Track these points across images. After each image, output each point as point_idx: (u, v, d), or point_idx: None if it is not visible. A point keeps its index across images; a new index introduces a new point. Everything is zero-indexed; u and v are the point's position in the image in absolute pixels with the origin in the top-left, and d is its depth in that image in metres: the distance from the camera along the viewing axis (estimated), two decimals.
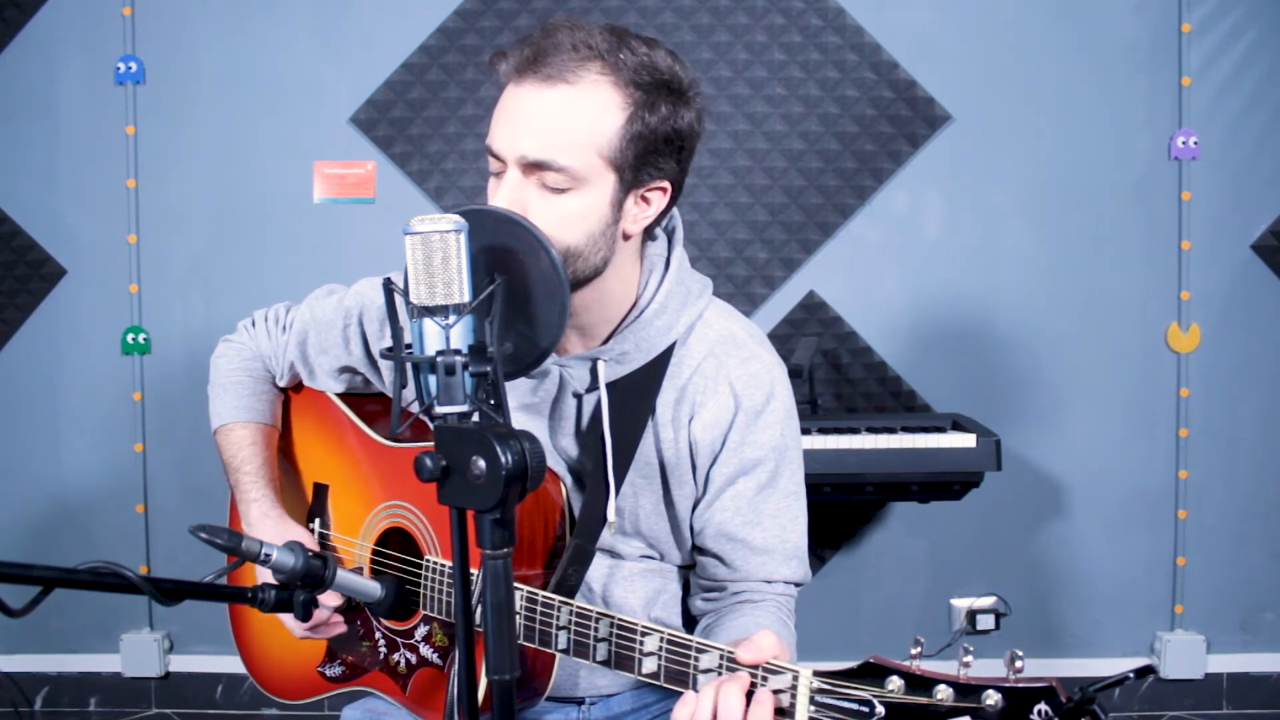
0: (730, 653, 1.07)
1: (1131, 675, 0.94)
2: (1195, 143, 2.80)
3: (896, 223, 2.85)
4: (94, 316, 2.92)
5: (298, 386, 1.59)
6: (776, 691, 1.03)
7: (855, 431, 2.40)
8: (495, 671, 0.99)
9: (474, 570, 1.02)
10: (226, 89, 2.87)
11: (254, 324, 1.58)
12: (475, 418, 1.01)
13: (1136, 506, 2.88)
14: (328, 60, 2.86)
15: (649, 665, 1.13)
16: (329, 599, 1.39)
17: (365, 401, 1.53)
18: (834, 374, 2.87)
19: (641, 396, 1.32)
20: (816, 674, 1.01)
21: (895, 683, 0.96)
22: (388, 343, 1.37)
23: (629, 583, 1.38)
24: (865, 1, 2.80)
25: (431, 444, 1.00)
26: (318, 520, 1.53)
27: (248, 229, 2.89)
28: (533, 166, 1.19)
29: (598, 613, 1.17)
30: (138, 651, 2.94)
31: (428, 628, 1.36)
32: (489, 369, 1.01)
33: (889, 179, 2.84)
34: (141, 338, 2.92)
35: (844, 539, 2.94)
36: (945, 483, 2.39)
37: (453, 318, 1.00)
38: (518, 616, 1.22)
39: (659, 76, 1.21)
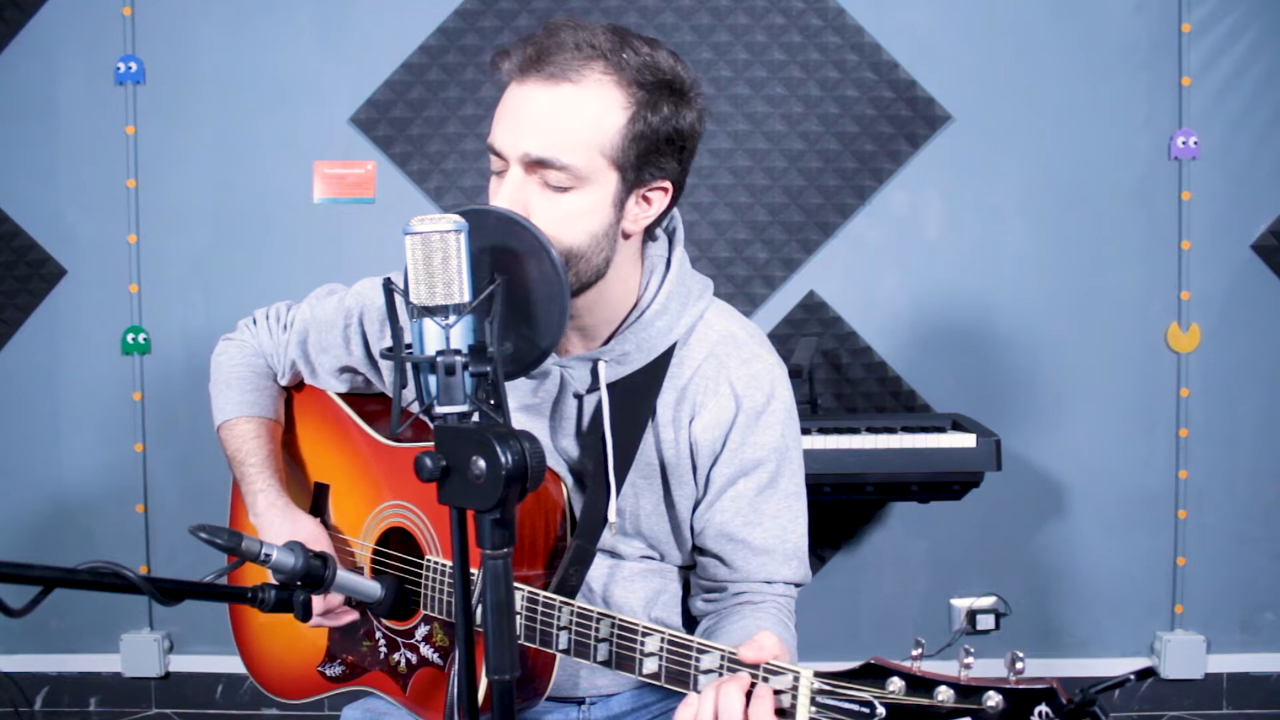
0: (731, 653, 1.07)
1: (1132, 677, 0.94)
2: (1195, 143, 2.80)
3: (896, 223, 2.85)
4: (94, 316, 2.92)
5: (299, 386, 1.59)
6: (777, 692, 1.03)
7: (855, 431, 2.40)
8: (495, 671, 0.99)
9: (474, 570, 1.02)
10: (226, 89, 2.87)
11: (255, 322, 1.58)
12: (475, 418, 1.01)
13: (1136, 506, 2.88)
14: (328, 60, 2.86)
15: (650, 666, 1.13)
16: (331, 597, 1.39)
17: (366, 401, 1.53)
18: (834, 374, 2.87)
19: (642, 397, 1.32)
20: (817, 675, 1.01)
21: (896, 684, 0.96)
22: (388, 343, 1.37)
23: (629, 583, 1.38)
24: (865, 1, 2.80)
25: (432, 444, 1.00)
26: (318, 520, 1.53)
27: (248, 229, 2.89)
28: (535, 165, 1.19)
29: (599, 613, 1.17)
30: (138, 651, 2.94)
31: (428, 628, 1.36)
32: (489, 369, 1.01)
33: (889, 179, 2.84)
34: (141, 338, 2.92)
35: (844, 539, 2.94)
36: (945, 483, 2.39)
37: (453, 318, 1.00)
38: (518, 617, 1.22)
39: (661, 76, 1.21)
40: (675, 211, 1.35)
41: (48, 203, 2.91)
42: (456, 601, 1.01)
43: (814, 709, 1.00)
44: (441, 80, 2.85)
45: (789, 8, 2.81)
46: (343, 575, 1.27)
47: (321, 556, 1.25)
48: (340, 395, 1.53)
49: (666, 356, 1.33)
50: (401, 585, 1.36)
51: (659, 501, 1.37)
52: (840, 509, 2.91)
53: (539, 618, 1.21)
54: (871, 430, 2.40)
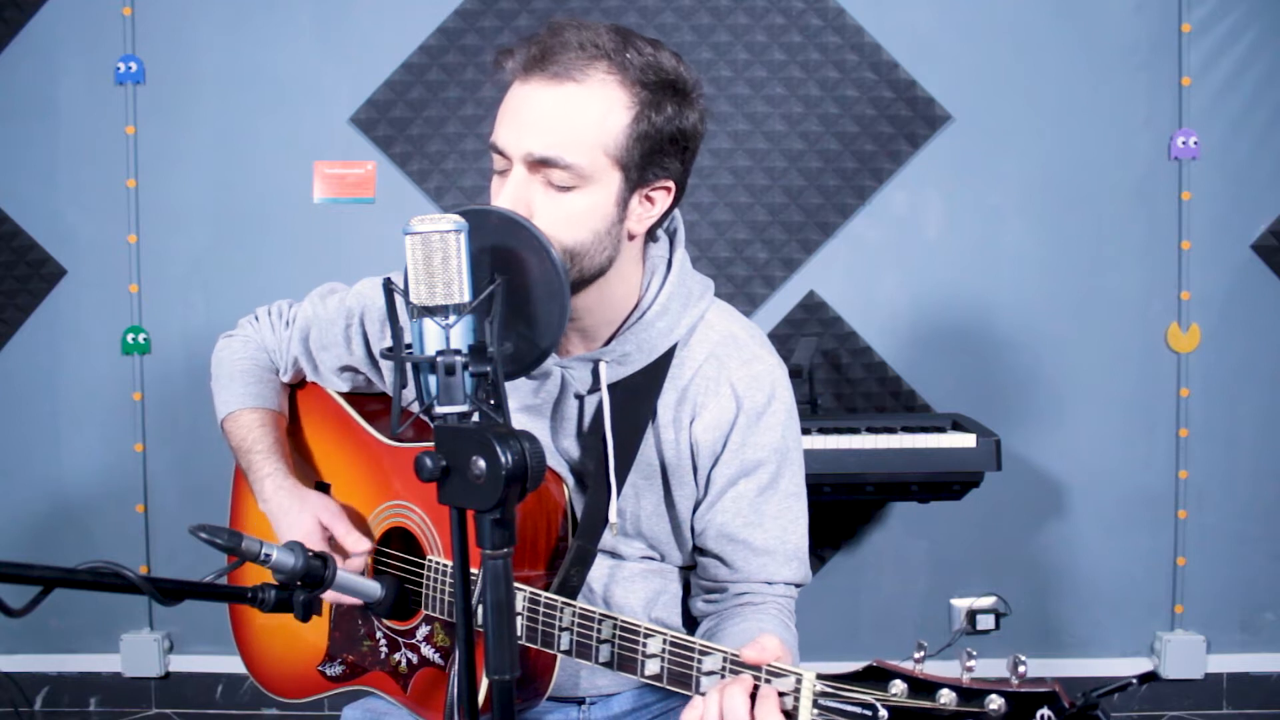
0: (734, 655, 1.07)
1: (1135, 681, 0.94)
2: (1195, 143, 2.80)
3: (896, 223, 2.85)
4: (94, 316, 2.92)
5: (300, 384, 1.59)
6: (780, 694, 1.03)
7: (855, 431, 2.40)
8: (495, 672, 0.99)
9: (475, 570, 1.02)
10: (226, 89, 2.87)
11: (257, 319, 1.58)
12: (475, 418, 1.01)
13: (1136, 506, 2.88)
14: (328, 60, 2.86)
15: (652, 667, 1.13)
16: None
17: (367, 401, 1.53)
18: (834, 374, 2.87)
19: (643, 398, 1.32)
20: (819, 677, 1.01)
21: (898, 686, 0.96)
22: (389, 343, 1.37)
23: (629, 583, 1.38)
24: (865, 1, 2.80)
25: (433, 444, 1.00)
26: None
27: (248, 229, 2.89)
28: (539, 164, 1.19)
29: (600, 614, 1.17)
30: (138, 651, 2.94)
31: (429, 628, 1.36)
32: (489, 369, 1.01)
33: (889, 179, 2.84)
34: (141, 338, 2.92)
35: (844, 539, 2.94)
36: (945, 483, 2.39)
37: (453, 318, 1.00)
38: (520, 618, 1.22)
39: (665, 77, 1.21)
40: (676, 212, 1.35)
41: (48, 203, 2.91)
42: (457, 601, 1.01)
43: (816, 711, 1.00)
44: (441, 80, 2.85)
45: (789, 8, 2.81)
46: (343, 575, 1.27)
47: (321, 556, 1.25)
48: (341, 395, 1.53)
49: (667, 357, 1.33)
50: (402, 585, 1.35)
51: (659, 502, 1.37)
52: (840, 509, 2.91)
53: (540, 618, 1.21)
54: (871, 430, 2.40)
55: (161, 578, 1.08)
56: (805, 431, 2.32)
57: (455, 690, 1.04)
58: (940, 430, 2.42)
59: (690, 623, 1.44)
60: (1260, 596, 2.89)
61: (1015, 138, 2.83)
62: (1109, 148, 2.82)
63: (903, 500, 2.83)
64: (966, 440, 2.35)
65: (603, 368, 1.31)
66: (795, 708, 1.02)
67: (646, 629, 1.14)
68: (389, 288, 1.06)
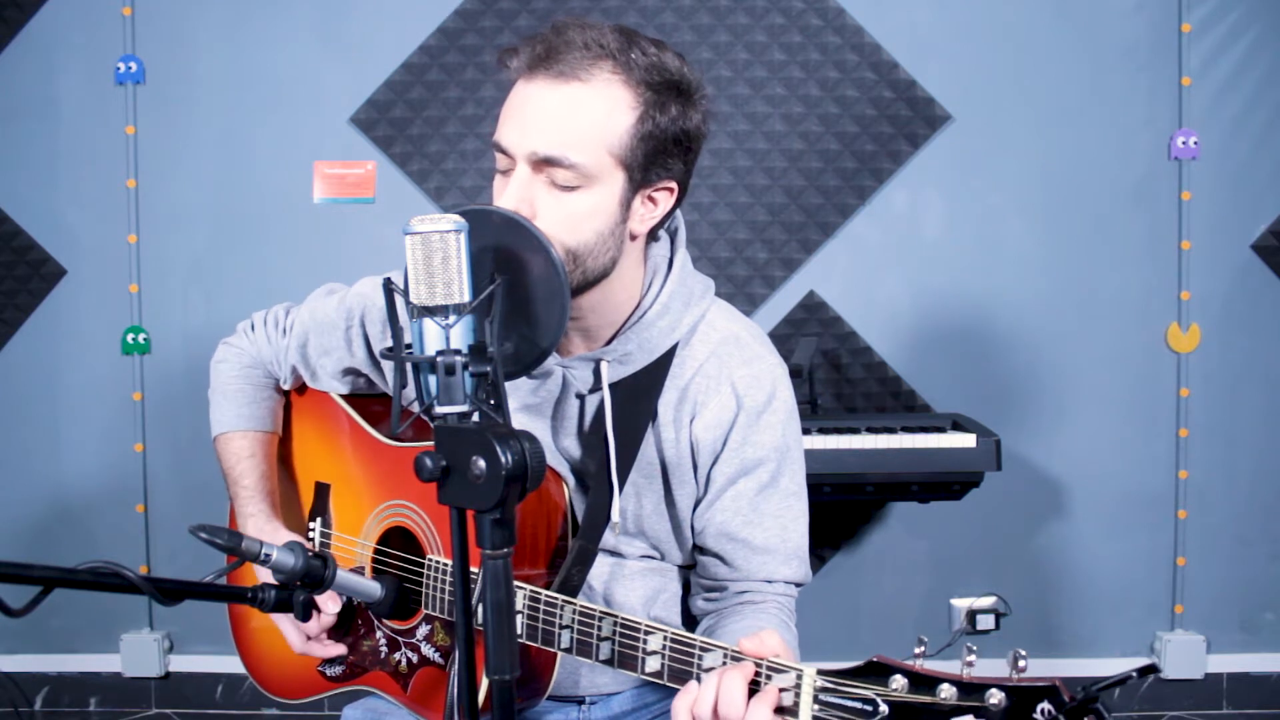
0: (735, 651, 1.07)
1: (1135, 674, 0.94)
2: (1195, 143, 2.80)
3: (896, 223, 2.85)
4: (94, 316, 2.92)
5: (301, 387, 1.59)
6: (781, 690, 1.03)
7: (855, 431, 2.40)
8: (495, 671, 0.99)
9: (475, 570, 1.02)
10: (226, 89, 2.87)
11: (253, 327, 1.57)
12: (475, 418, 1.01)
13: (1136, 506, 2.88)
14: (328, 60, 2.86)
15: (652, 664, 1.13)
16: (329, 605, 1.39)
17: (368, 401, 1.53)
18: (834, 374, 2.87)
19: (644, 397, 1.32)
20: (820, 673, 1.01)
21: (899, 681, 0.97)
22: (389, 343, 1.37)
23: (630, 582, 1.38)
24: (865, 1, 2.80)
25: (433, 443, 1.00)
26: (319, 520, 1.53)
27: (248, 229, 2.89)
28: (542, 163, 1.19)
29: (601, 612, 1.17)
30: (138, 651, 2.94)
31: (429, 627, 1.36)
32: (489, 369, 1.01)
33: (889, 179, 2.84)
34: (141, 338, 2.92)
35: (844, 539, 2.94)
36: (945, 483, 2.39)
37: (453, 318, 1.00)
38: (521, 616, 1.22)
39: (669, 77, 1.21)
40: (678, 212, 1.35)
41: (48, 203, 2.91)
42: (457, 601, 1.01)
43: (817, 707, 1.00)
44: (441, 80, 2.85)
45: (789, 8, 2.81)
46: (343, 575, 1.27)
47: (321, 556, 1.25)
48: (342, 395, 1.53)
49: (668, 356, 1.33)
50: (402, 585, 1.36)
51: (660, 501, 1.37)
52: (840, 509, 2.91)
53: (541, 617, 1.21)
54: (871, 430, 2.40)
55: (161, 578, 1.08)
56: (805, 431, 2.32)
57: (455, 690, 1.04)
58: (940, 430, 2.42)
59: (690, 621, 1.44)
60: (1260, 596, 2.89)
61: (1015, 138, 2.83)
62: (1109, 148, 2.82)
63: (903, 500, 2.83)
64: (966, 440, 2.35)
65: (604, 367, 1.31)
66: (796, 703, 1.02)
67: (647, 626, 1.14)
68: (389, 288, 1.06)
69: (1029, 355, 2.86)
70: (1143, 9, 2.80)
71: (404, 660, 1.39)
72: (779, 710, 1.02)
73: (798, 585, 1.40)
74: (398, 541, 1.41)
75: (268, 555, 1.19)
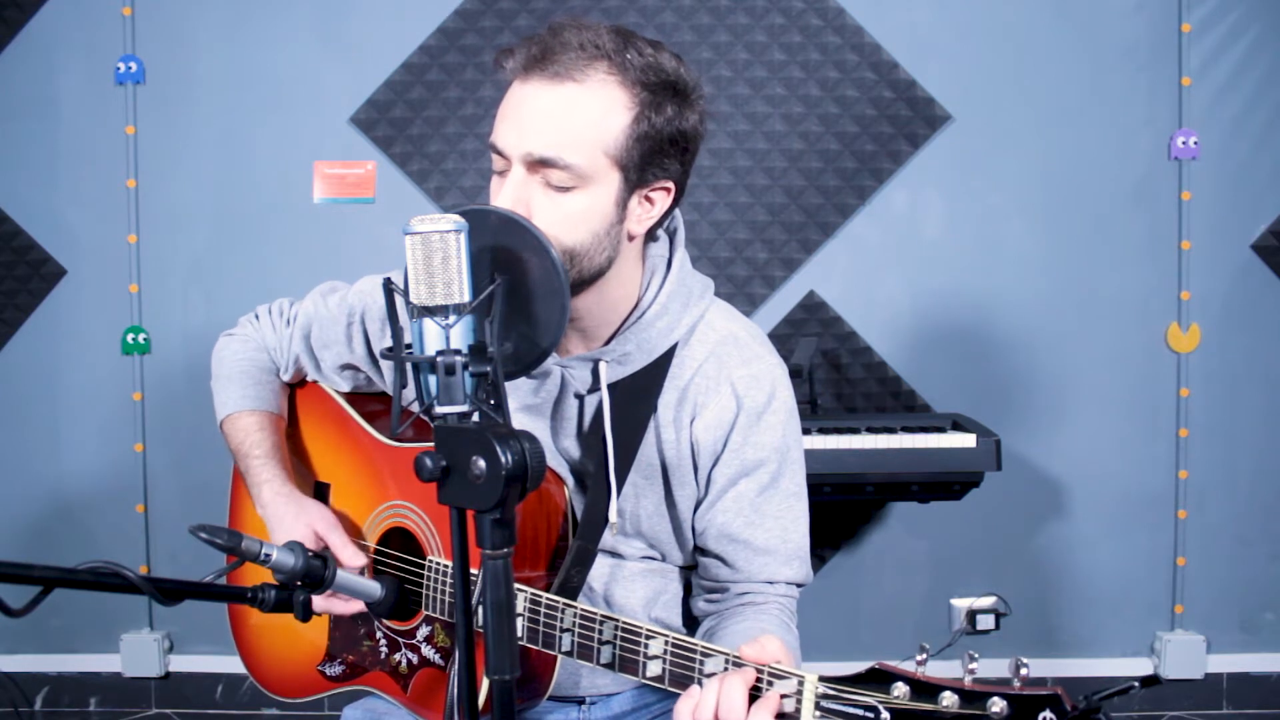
0: (736, 657, 1.07)
1: (1137, 685, 0.94)
2: (1195, 143, 2.80)
3: (896, 223, 2.85)
4: (94, 316, 2.92)
5: (300, 384, 1.59)
6: (782, 696, 1.03)
7: (855, 431, 2.40)
8: (495, 672, 0.99)
9: (475, 571, 1.02)
10: (226, 89, 2.87)
11: (257, 317, 1.58)
12: (475, 418, 1.01)
13: (1136, 506, 2.88)
14: (328, 60, 2.86)
15: (653, 669, 1.13)
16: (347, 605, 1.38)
17: (367, 401, 1.53)
18: (834, 374, 2.87)
19: (643, 397, 1.32)
20: (822, 679, 1.01)
21: (900, 689, 0.97)
22: (389, 342, 1.37)
23: (630, 583, 1.38)
24: (865, 1, 2.80)
25: (433, 443, 1.00)
26: None
27: (248, 229, 2.89)
28: (538, 164, 1.19)
29: (602, 615, 1.17)
30: (138, 651, 2.94)
31: (429, 628, 1.36)
32: (489, 369, 1.01)
33: (889, 179, 2.84)
34: (141, 338, 2.92)
35: (844, 539, 2.94)
36: (945, 483, 2.39)
37: (453, 318, 1.00)
38: (521, 618, 1.22)
39: (665, 77, 1.21)
40: (676, 212, 1.35)
41: (48, 203, 2.91)
42: (457, 602, 1.01)
43: (818, 713, 1.00)
44: (441, 80, 2.85)
45: (789, 8, 2.81)
46: (343, 575, 1.27)
47: (321, 556, 1.25)
48: (341, 394, 1.53)
49: (668, 357, 1.33)
50: (402, 585, 1.35)
51: (660, 502, 1.37)
52: (840, 509, 2.91)
53: (542, 620, 1.21)
54: (871, 430, 2.40)
55: (161, 578, 1.08)
56: (805, 431, 2.32)
57: (455, 690, 1.04)
58: (940, 430, 2.42)
59: (691, 622, 1.44)
60: (1260, 596, 2.89)
61: (1015, 138, 2.83)
62: (1109, 148, 2.82)
63: (903, 500, 2.83)
64: (966, 440, 2.35)
65: (603, 367, 1.31)
66: (798, 710, 1.02)
67: (648, 630, 1.13)
68: (389, 288, 1.06)
69: (1029, 355, 2.86)
70: (1143, 9, 2.80)
71: (404, 661, 1.39)
72: (780, 716, 1.02)
73: (799, 586, 1.40)
74: (398, 542, 1.41)
75: (267, 555, 1.19)
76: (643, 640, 1.13)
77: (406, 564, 1.38)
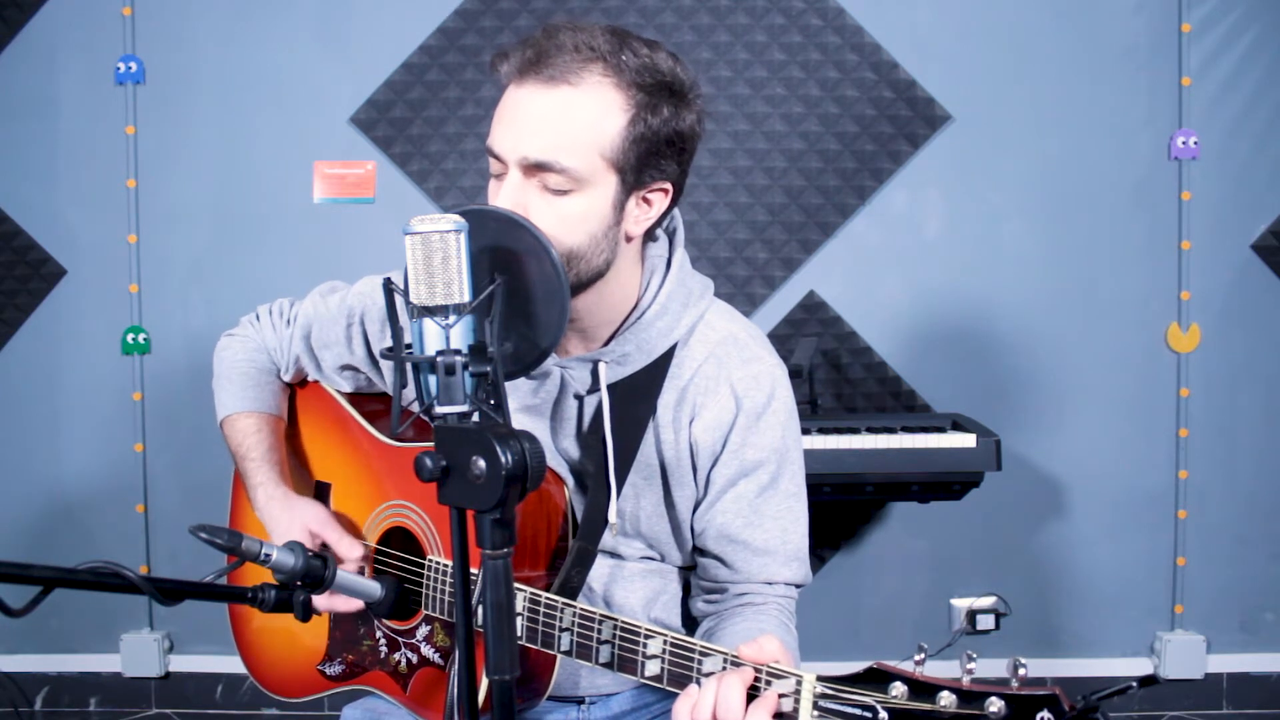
0: (734, 657, 1.07)
1: (1135, 685, 0.94)
2: (1195, 143, 2.80)
3: (896, 223, 2.85)
4: (94, 316, 2.92)
5: (301, 384, 1.59)
6: (780, 696, 1.03)
7: (855, 431, 2.40)
8: (495, 671, 0.99)
9: (475, 570, 1.02)
10: (226, 89, 2.87)
11: (258, 318, 1.58)
12: (475, 418, 1.01)
13: (1136, 506, 2.88)
14: (328, 60, 2.86)
15: (652, 668, 1.13)
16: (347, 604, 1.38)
17: (367, 400, 1.53)
18: (834, 374, 2.87)
19: (643, 398, 1.32)
20: (820, 679, 1.01)
21: (898, 688, 0.97)
22: (389, 342, 1.37)
23: (629, 583, 1.38)
24: (865, 1, 2.80)
25: (433, 444, 1.00)
26: None
27: (248, 229, 2.89)
28: (534, 168, 1.19)
29: (601, 615, 1.17)
30: (138, 651, 2.94)
31: (429, 628, 1.36)
32: (489, 369, 1.01)
33: (889, 179, 2.84)
34: (141, 338, 2.92)
35: (844, 539, 2.94)
36: (945, 483, 2.39)
37: (453, 318, 1.00)
38: (520, 618, 1.22)
39: (661, 78, 1.21)
40: (676, 212, 1.35)
41: (48, 203, 2.91)
42: (457, 601, 1.01)
43: (816, 713, 1.00)
44: (441, 80, 2.85)
45: (789, 8, 2.81)
46: (343, 575, 1.27)
47: (321, 556, 1.25)
48: (342, 394, 1.53)
49: (667, 357, 1.33)
50: (402, 585, 1.36)
51: (659, 502, 1.37)
52: (840, 509, 2.91)
53: (541, 619, 1.21)
54: (871, 430, 2.40)
55: (161, 578, 1.08)
56: (805, 431, 2.32)
57: (455, 690, 1.04)
58: (940, 430, 2.42)
59: (690, 623, 1.44)
60: (1260, 596, 2.89)
61: (1015, 138, 2.83)
62: (1109, 148, 2.82)
63: (903, 500, 2.83)
64: (966, 440, 2.35)
65: (602, 368, 1.31)
66: (796, 709, 1.02)
67: (647, 630, 1.14)
68: (389, 288, 1.06)
69: (1029, 355, 2.86)
70: (1143, 9, 2.80)
71: (404, 660, 1.39)
72: (778, 715, 1.03)
73: (798, 586, 1.40)
74: (398, 542, 1.41)
75: (267, 555, 1.19)
76: (641, 640, 1.14)
77: (406, 564, 1.38)
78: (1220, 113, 2.80)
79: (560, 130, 1.18)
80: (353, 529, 1.45)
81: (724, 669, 1.07)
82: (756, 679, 1.05)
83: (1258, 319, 2.85)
